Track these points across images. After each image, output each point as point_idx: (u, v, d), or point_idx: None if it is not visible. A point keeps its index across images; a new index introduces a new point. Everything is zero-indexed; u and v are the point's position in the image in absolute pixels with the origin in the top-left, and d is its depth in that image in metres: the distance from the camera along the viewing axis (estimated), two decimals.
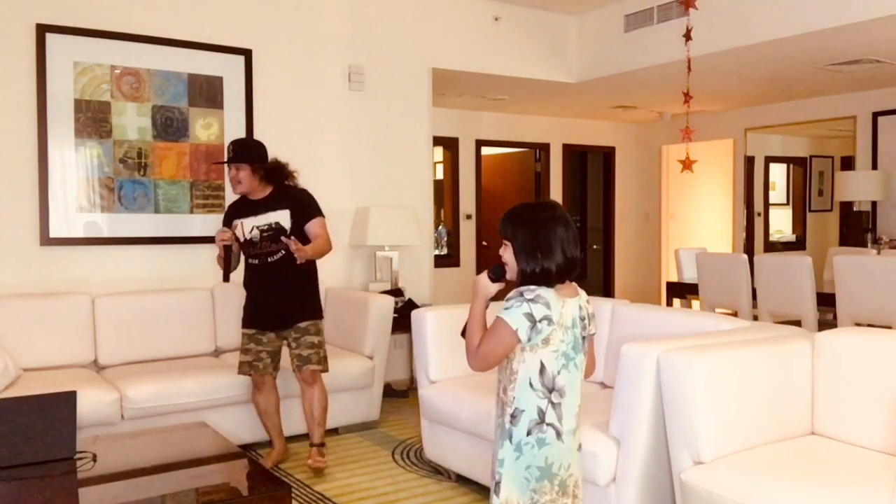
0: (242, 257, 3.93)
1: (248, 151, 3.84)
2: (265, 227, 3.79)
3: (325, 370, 3.92)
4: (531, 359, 2.03)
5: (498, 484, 2.06)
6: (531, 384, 2.04)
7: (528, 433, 2.04)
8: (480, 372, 2.14)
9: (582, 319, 2.10)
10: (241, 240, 3.82)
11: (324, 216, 3.91)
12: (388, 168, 5.71)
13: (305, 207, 3.87)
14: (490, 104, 7.86)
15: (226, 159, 3.88)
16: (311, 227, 3.85)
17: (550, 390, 2.04)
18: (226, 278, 3.86)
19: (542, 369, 2.03)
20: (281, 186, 3.88)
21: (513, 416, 2.05)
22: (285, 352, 3.96)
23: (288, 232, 3.79)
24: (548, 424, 2.04)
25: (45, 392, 2.88)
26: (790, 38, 5.16)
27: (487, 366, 2.08)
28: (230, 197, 4.92)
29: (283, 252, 3.78)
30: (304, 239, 3.81)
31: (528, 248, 2.05)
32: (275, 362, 3.95)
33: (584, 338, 2.11)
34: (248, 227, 3.82)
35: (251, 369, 3.91)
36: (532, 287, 2.02)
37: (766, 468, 2.50)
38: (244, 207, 3.89)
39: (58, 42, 4.42)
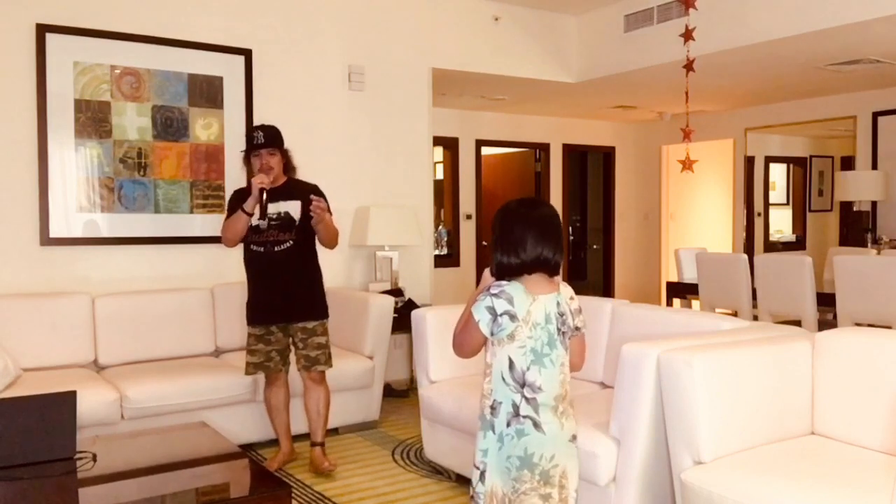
0: (242, 247, 3.83)
1: (279, 137, 3.78)
2: (274, 216, 3.72)
3: (331, 366, 3.91)
4: (500, 353, 2.09)
5: (483, 473, 2.13)
6: (503, 378, 2.10)
7: (508, 424, 2.09)
8: (463, 358, 2.22)
9: (561, 315, 2.11)
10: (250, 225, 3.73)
11: (332, 214, 3.85)
12: (388, 168, 5.71)
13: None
14: (490, 104, 7.86)
15: (255, 144, 3.72)
16: None
17: (522, 385, 2.08)
18: (262, 216, 3.64)
19: (511, 364, 2.08)
20: (291, 178, 3.86)
21: (492, 408, 2.12)
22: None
23: (297, 223, 3.75)
24: (524, 417, 2.08)
25: (45, 392, 2.89)
26: (790, 38, 5.16)
27: (463, 353, 2.17)
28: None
29: (291, 242, 3.74)
30: (310, 234, 3.78)
31: (497, 240, 2.13)
32: (284, 359, 3.91)
33: (563, 333, 2.12)
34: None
35: (261, 370, 3.86)
36: (501, 283, 2.08)
37: (766, 468, 2.50)
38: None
39: (58, 42, 4.42)
